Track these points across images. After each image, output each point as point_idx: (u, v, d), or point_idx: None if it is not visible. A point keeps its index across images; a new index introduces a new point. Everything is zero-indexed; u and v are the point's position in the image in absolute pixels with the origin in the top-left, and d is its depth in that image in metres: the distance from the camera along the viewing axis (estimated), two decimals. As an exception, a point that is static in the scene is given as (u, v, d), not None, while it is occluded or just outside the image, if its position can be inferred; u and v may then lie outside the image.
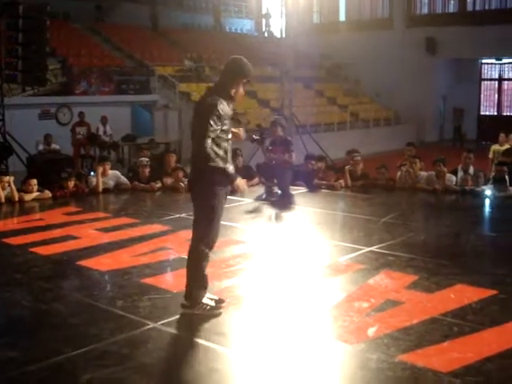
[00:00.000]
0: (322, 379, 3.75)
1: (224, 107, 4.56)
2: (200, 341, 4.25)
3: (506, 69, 22.94)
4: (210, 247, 4.66)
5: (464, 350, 4.08)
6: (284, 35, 27.06)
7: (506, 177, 9.84)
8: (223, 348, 4.15)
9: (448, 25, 21.81)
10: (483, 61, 23.31)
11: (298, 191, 10.11)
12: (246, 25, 28.39)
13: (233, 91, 4.68)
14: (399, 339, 4.25)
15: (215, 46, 22.36)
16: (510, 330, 4.42)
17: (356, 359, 3.98)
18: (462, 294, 5.16)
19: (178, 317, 4.66)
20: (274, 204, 9.26)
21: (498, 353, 4.01)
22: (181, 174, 10.54)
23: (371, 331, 4.40)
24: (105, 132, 16.11)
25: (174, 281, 5.59)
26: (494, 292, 5.18)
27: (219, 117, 4.51)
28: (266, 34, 27.28)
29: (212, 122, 4.46)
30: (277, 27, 28.22)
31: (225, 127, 4.58)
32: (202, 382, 3.73)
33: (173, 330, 4.43)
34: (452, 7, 22.87)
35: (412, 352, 4.05)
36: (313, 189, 10.42)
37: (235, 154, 11.25)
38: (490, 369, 3.81)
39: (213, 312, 4.68)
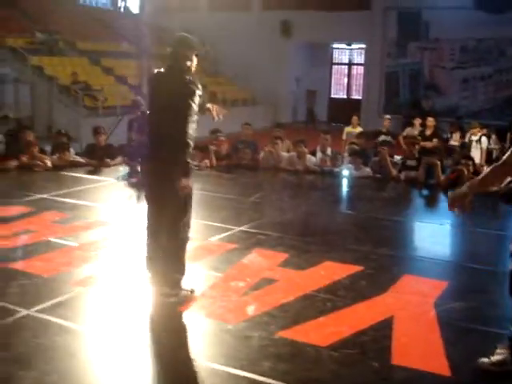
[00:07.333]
0: (207, 359, 3.77)
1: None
2: (76, 327, 4.12)
3: (356, 54, 23.96)
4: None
5: (339, 324, 4.29)
6: (141, 11, 26.49)
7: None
8: (99, 333, 4.06)
9: (302, 9, 22.38)
10: (334, 45, 24.19)
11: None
12: (101, -1, 27.38)
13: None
14: (277, 316, 4.38)
15: (69, 19, 21.39)
16: (379, 303, 4.69)
17: (237, 338, 4.05)
18: (331, 271, 5.40)
19: (52, 302, 4.48)
20: (138, 184, 9.08)
21: (370, 325, 4.25)
22: (36, 149, 10.07)
23: (250, 310, 4.50)
24: (-51, 107, 14.98)
25: (43, 265, 5.34)
26: (360, 268, 5.47)
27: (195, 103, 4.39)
28: (122, 10, 26.53)
29: (193, 108, 4.36)
30: (134, 3, 27.51)
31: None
32: (82, 371, 3.62)
33: (48, 317, 4.23)
34: (307, -8, 23.43)
35: (290, 328, 4.18)
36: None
37: (96, 132, 10.93)
38: (365, 341, 4.03)
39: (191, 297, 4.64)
